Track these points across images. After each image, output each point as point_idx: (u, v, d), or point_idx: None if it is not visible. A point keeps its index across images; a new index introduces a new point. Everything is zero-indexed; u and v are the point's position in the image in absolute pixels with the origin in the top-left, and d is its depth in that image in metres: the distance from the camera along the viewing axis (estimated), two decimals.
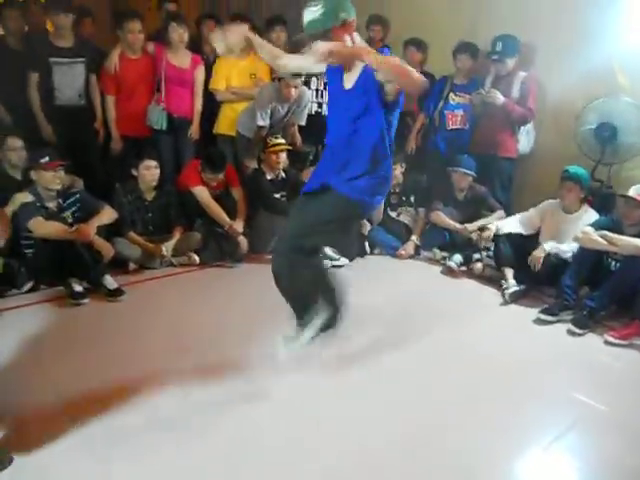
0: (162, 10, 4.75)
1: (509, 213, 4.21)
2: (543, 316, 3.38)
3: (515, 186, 4.59)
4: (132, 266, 3.87)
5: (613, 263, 3.43)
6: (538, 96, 4.32)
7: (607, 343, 3.12)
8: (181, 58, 4.34)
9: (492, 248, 4.22)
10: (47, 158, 3.40)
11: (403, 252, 4.44)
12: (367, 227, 4.51)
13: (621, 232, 3.32)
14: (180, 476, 1.95)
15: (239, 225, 4.17)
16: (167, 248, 3.92)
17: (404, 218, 4.64)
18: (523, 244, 3.83)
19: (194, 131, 4.48)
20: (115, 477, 1.93)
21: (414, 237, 4.51)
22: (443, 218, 4.35)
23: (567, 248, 3.58)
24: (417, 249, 4.51)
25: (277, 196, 4.39)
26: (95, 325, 3.10)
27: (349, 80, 2.33)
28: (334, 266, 3.93)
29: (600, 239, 3.29)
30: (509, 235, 3.88)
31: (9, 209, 3.34)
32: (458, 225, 4.28)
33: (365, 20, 4.90)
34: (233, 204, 4.28)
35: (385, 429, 2.26)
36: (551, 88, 4.35)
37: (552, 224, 3.84)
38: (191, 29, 4.48)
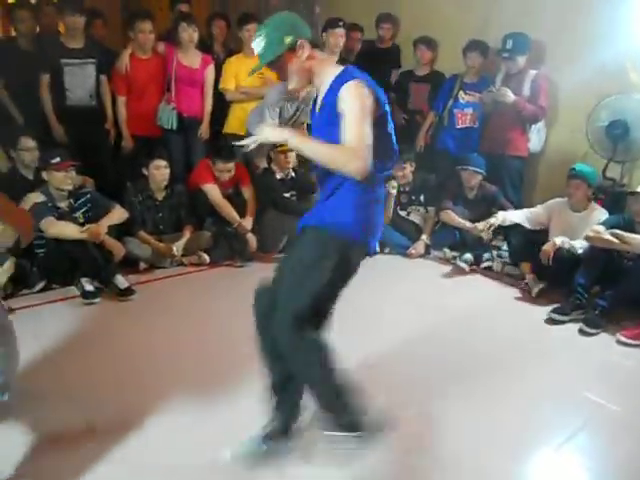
0: (174, 11, 4.78)
1: None
2: (555, 315, 3.36)
3: (526, 184, 4.57)
4: (143, 265, 3.89)
5: (625, 262, 3.40)
6: (549, 94, 4.29)
7: (619, 343, 3.09)
8: (191, 58, 4.36)
9: (504, 247, 4.22)
10: (58, 159, 3.42)
11: (413, 251, 4.42)
12: None
13: (633, 230, 3.30)
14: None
15: (248, 222, 4.19)
16: (177, 247, 3.94)
17: (414, 217, 4.63)
18: (535, 239, 3.81)
19: (204, 131, 4.49)
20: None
21: (424, 236, 4.49)
22: (453, 217, 4.33)
23: (578, 244, 3.56)
24: (427, 248, 4.50)
25: (287, 195, 4.40)
26: (106, 324, 3.12)
27: (319, 101, 1.98)
28: None
29: (611, 237, 3.26)
30: (520, 230, 3.87)
31: None
32: (468, 224, 4.27)
33: (374, 18, 4.90)
34: (243, 203, 4.30)
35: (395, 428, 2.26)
36: (563, 86, 4.32)
37: (560, 223, 3.82)
38: (201, 29, 4.49)
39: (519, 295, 3.76)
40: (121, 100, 4.28)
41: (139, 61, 4.25)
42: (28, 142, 3.63)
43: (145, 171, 3.95)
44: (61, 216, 3.47)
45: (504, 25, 4.32)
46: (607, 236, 3.28)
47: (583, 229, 3.53)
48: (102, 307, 3.33)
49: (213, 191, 4.16)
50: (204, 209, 4.20)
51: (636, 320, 3.25)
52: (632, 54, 3.91)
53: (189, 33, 4.25)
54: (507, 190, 4.42)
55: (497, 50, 4.36)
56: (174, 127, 4.34)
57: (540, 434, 2.30)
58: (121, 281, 3.48)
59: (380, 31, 5.04)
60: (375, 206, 1.97)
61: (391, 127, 1.97)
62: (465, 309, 3.50)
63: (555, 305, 3.43)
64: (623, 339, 3.09)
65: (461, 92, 4.57)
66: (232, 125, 4.60)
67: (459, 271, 4.13)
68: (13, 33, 4.29)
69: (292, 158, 4.34)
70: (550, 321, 3.35)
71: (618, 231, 3.26)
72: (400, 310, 3.37)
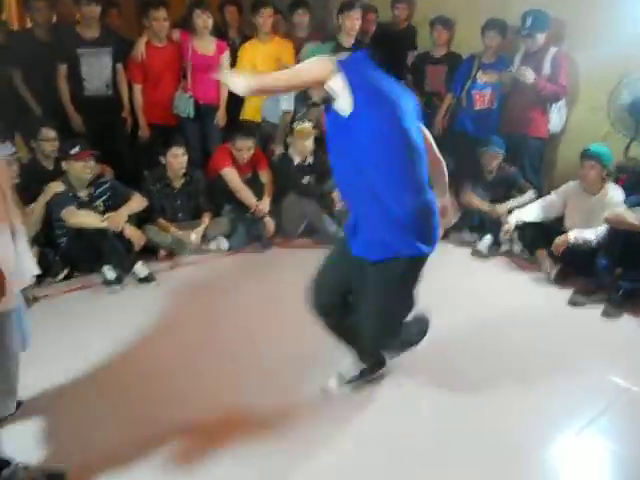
0: None
1: (540, 194, 4.13)
2: (577, 297, 3.33)
3: (545, 165, 4.49)
4: (162, 253, 3.93)
5: None
6: (570, 72, 4.20)
7: None
8: (206, 45, 4.34)
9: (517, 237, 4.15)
10: (77, 149, 3.45)
11: None
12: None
13: None
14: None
15: (265, 204, 4.21)
16: (197, 234, 3.96)
17: None
18: (549, 229, 3.77)
19: (220, 118, 4.49)
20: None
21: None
22: (474, 199, 4.28)
23: (592, 236, 3.45)
24: (446, 231, 4.45)
25: (304, 181, 4.39)
26: (127, 312, 3.16)
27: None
28: None
29: (631, 219, 3.19)
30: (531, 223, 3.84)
31: (42, 199, 3.42)
32: (487, 206, 4.22)
33: None
34: (261, 189, 4.30)
35: (424, 411, 2.27)
36: (584, 64, 4.22)
37: (576, 207, 3.74)
38: (215, 15, 4.47)
39: (540, 277, 3.72)
40: (137, 88, 4.29)
41: (155, 49, 4.25)
42: (49, 133, 3.66)
43: (162, 159, 3.97)
44: (81, 205, 3.52)
45: (522, 3, 4.23)
46: (626, 218, 3.20)
47: (600, 211, 3.45)
48: (124, 295, 3.37)
49: (231, 175, 4.16)
50: (222, 196, 4.21)
51: None
52: None
53: (203, 19, 4.23)
54: (527, 172, 4.35)
55: (516, 29, 4.27)
56: (191, 115, 4.34)
57: (562, 417, 2.29)
58: (142, 269, 3.52)
59: (395, 11, 4.98)
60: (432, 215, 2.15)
61: (419, 139, 2.07)
62: (485, 293, 3.49)
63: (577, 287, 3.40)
64: None
65: (479, 73, 4.49)
66: (248, 112, 4.59)
67: (478, 254, 4.10)
68: (29, 23, 4.30)
69: (309, 143, 4.31)
70: (573, 303, 3.32)
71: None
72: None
